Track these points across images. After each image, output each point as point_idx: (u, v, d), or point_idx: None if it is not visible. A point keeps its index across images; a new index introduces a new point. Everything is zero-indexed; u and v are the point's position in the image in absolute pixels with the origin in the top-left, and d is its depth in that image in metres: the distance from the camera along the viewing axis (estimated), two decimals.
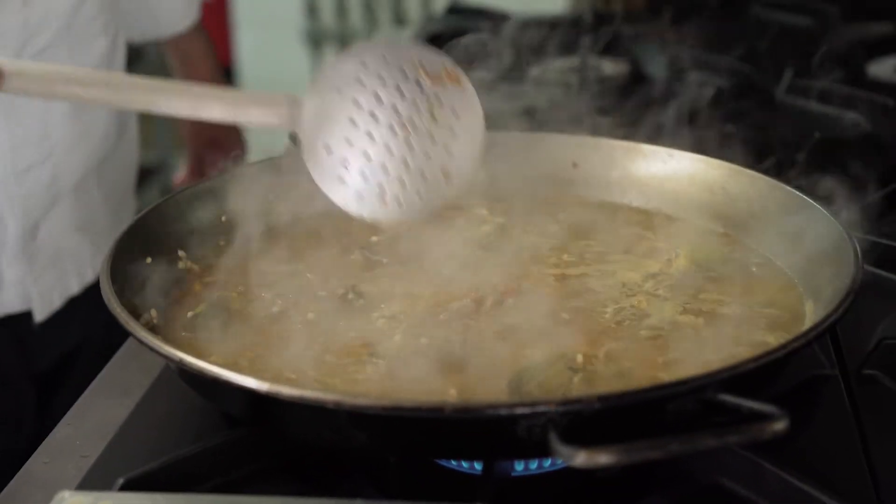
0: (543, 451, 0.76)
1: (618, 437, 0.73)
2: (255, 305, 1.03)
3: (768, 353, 0.81)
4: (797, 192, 1.08)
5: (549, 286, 1.05)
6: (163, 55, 1.73)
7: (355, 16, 3.99)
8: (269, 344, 0.96)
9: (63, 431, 0.97)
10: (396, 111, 0.94)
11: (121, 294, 0.92)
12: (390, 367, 0.91)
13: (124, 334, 0.92)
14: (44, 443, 0.96)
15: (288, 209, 1.14)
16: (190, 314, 1.01)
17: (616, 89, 1.66)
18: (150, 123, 1.79)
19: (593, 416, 0.76)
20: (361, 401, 0.80)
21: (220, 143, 1.69)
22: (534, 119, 1.29)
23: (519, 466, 0.88)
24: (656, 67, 1.80)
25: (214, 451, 0.88)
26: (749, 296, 1.02)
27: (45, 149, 1.32)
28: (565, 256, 1.11)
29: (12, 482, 0.90)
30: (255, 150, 1.56)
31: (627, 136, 1.24)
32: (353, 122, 0.94)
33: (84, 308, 1.42)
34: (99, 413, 0.99)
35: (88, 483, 0.89)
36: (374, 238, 1.13)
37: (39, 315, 1.38)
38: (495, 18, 2.05)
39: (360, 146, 0.94)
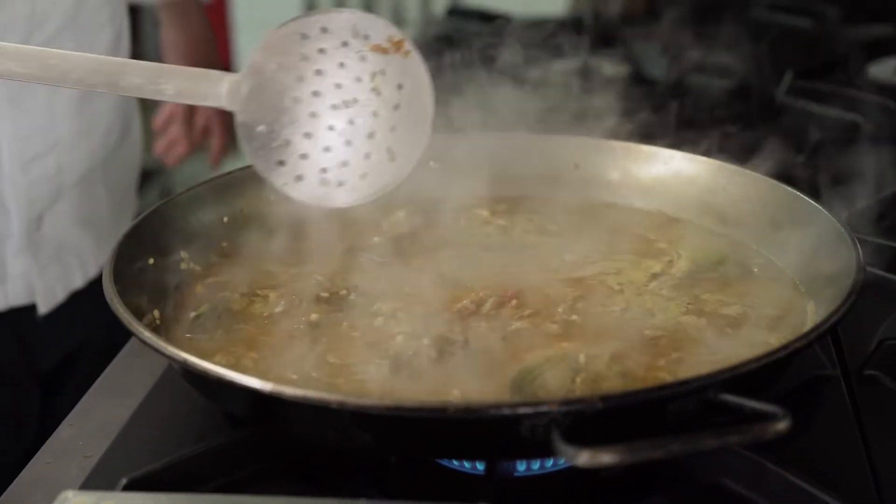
0: (546, 451, 0.76)
1: (620, 436, 0.73)
2: (258, 306, 1.03)
3: (770, 354, 0.81)
4: (798, 194, 1.08)
5: (551, 287, 1.05)
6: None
7: None
8: (272, 344, 0.97)
9: (66, 432, 0.97)
10: (339, 87, 0.90)
11: (123, 294, 0.92)
12: (393, 368, 0.91)
13: (126, 334, 0.92)
14: (47, 443, 0.96)
15: (289, 210, 1.14)
16: (192, 315, 1.01)
17: (617, 91, 1.66)
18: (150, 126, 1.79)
19: (596, 415, 0.76)
20: (364, 401, 0.80)
21: None
22: (535, 120, 1.29)
23: (521, 467, 0.88)
24: (657, 69, 1.80)
25: (217, 451, 0.88)
26: (750, 296, 1.02)
27: (50, 140, 1.33)
28: (567, 257, 1.11)
29: (15, 482, 0.91)
30: None
31: (628, 138, 1.24)
32: (296, 100, 0.90)
33: (86, 307, 1.42)
34: (102, 413, 0.99)
35: (92, 483, 0.89)
36: (377, 239, 1.13)
37: (43, 307, 1.38)
38: (495, 20, 2.05)
39: (301, 126, 0.90)
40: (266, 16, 3.75)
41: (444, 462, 0.89)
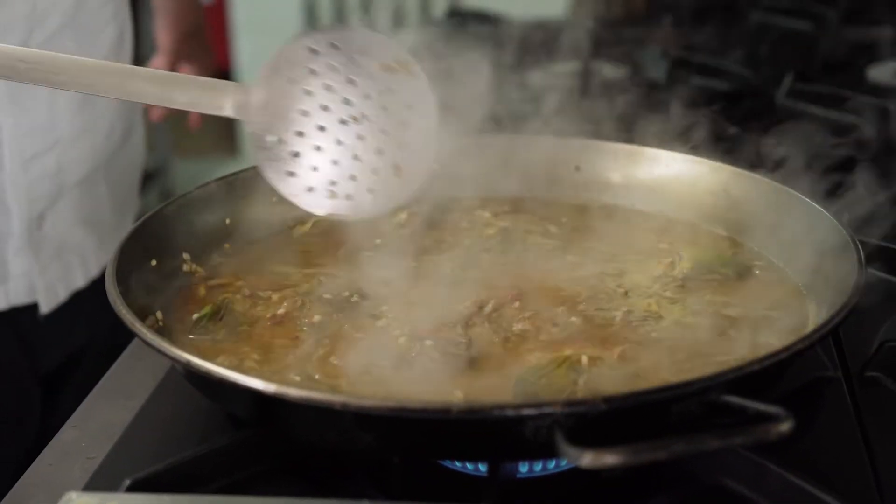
0: (549, 452, 0.76)
1: (623, 438, 0.73)
2: (260, 308, 1.03)
3: (772, 355, 0.82)
4: (800, 195, 1.08)
5: (554, 289, 1.05)
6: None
7: (354, 21, 3.99)
8: (274, 346, 0.97)
9: (69, 433, 0.97)
10: (348, 102, 0.92)
11: (126, 296, 0.92)
12: (396, 370, 0.91)
13: (129, 336, 0.93)
14: (49, 444, 0.96)
15: (291, 212, 1.14)
16: (195, 316, 1.01)
17: (617, 93, 1.67)
18: (151, 128, 1.79)
19: (599, 417, 0.77)
20: (368, 402, 0.80)
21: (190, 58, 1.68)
22: (536, 122, 1.29)
23: (524, 468, 0.88)
24: (657, 71, 1.81)
25: (220, 452, 0.88)
26: (752, 298, 1.02)
27: (50, 138, 1.33)
28: (569, 259, 1.11)
29: (18, 484, 0.91)
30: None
31: (629, 140, 1.24)
32: (304, 113, 0.92)
33: (89, 307, 1.42)
34: (104, 414, 0.99)
35: (95, 484, 0.89)
36: (379, 241, 1.13)
37: (45, 307, 1.38)
38: (495, 22, 2.06)
39: (311, 139, 0.92)
40: (266, 16, 3.76)
41: (447, 463, 0.89)
